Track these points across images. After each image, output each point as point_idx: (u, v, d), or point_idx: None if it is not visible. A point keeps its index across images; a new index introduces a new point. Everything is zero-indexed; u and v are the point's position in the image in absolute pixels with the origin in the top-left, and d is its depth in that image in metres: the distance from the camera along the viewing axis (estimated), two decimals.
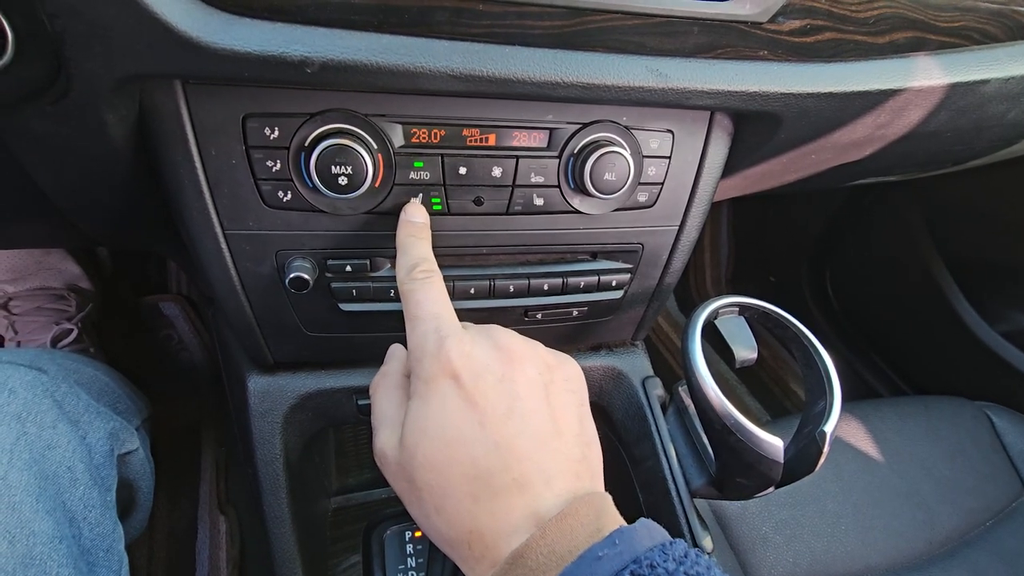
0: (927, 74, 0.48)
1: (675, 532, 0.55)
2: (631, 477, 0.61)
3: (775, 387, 1.40)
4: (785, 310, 0.53)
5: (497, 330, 0.36)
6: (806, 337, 0.50)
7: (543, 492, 0.30)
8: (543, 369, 0.35)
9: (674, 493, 0.55)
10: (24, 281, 0.96)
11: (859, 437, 0.80)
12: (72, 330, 0.95)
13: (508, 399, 0.32)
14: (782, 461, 0.46)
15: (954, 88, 0.50)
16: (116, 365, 0.82)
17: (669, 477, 0.56)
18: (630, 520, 0.30)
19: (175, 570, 0.90)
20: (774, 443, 0.46)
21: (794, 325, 0.51)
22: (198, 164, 0.41)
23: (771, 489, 0.49)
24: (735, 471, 0.49)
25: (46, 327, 0.94)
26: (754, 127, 0.49)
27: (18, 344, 0.93)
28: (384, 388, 0.37)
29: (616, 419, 0.63)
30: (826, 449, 0.46)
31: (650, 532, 0.28)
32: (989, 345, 1.00)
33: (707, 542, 0.54)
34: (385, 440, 0.34)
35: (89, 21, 0.31)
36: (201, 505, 0.96)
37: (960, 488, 0.79)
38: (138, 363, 0.97)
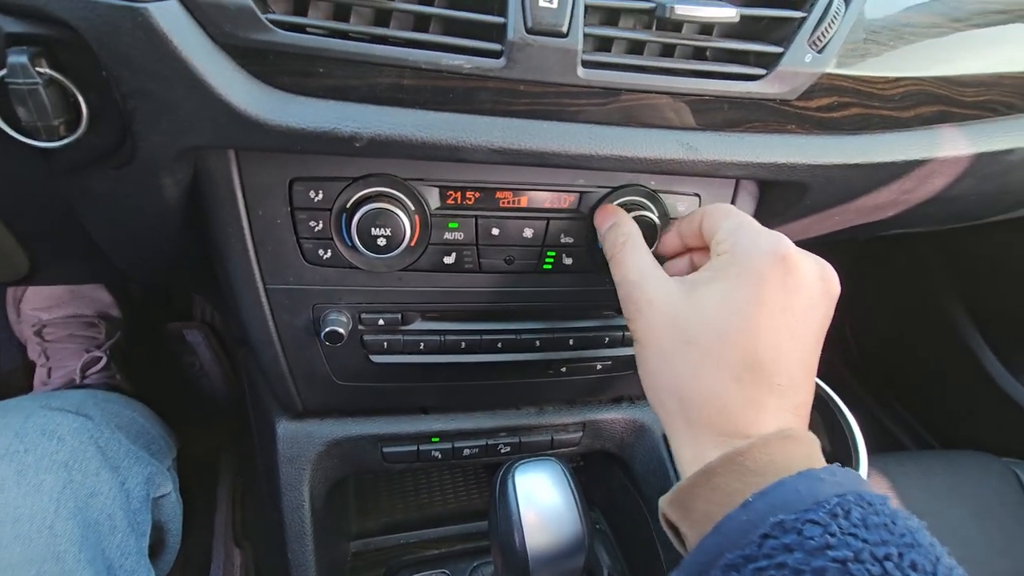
0: (953, 145, 0.49)
1: None
2: (651, 530, 0.61)
3: None
4: None
5: (824, 262, 0.37)
6: (835, 403, 0.50)
7: (789, 410, 0.32)
8: (826, 320, 0.36)
9: None
10: (58, 308, 0.99)
11: (882, 493, 0.78)
12: (101, 358, 0.97)
13: (806, 324, 0.34)
14: None
15: (979, 157, 0.51)
16: (141, 391, 0.83)
17: None
18: None
19: None
20: None
21: (822, 390, 0.51)
22: (245, 223, 0.43)
23: None
24: None
25: (76, 354, 0.97)
26: (780, 193, 0.50)
27: (49, 371, 0.96)
28: (633, 247, 0.40)
29: (637, 472, 0.63)
30: None
31: (862, 479, 0.30)
32: (1016, 400, 0.99)
33: None
34: (659, 288, 0.36)
35: (159, 101, 0.33)
36: (216, 536, 0.96)
37: (987, 550, 0.77)
38: (161, 389, 0.98)
